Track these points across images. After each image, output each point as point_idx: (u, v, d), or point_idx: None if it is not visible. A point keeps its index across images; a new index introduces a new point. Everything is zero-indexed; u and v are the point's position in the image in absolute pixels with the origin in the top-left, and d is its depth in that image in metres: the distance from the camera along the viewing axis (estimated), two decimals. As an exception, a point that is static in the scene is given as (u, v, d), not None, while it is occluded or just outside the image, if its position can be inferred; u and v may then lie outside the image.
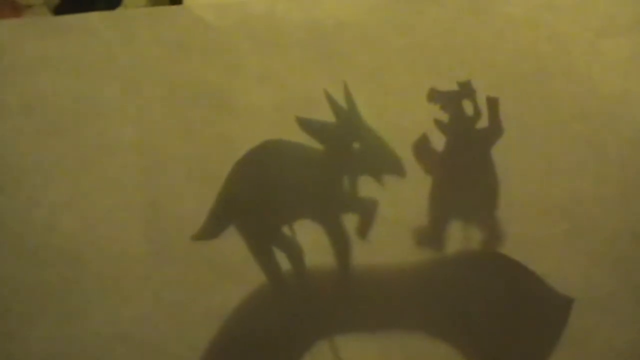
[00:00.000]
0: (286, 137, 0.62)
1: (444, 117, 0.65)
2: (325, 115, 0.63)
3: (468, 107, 0.65)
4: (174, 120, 0.61)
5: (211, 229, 0.61)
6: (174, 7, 0.60)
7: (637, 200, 0.64)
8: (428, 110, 0.64)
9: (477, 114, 0.66)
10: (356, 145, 0.63)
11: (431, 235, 0.63)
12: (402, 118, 0.64)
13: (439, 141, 0.64)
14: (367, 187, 0.63)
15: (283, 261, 0.61)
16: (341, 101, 0.63)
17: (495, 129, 0.66)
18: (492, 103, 0.66)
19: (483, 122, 0.65)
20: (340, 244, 0.61)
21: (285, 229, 0.62)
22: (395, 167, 0.63)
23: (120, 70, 0.60)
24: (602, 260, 0.64)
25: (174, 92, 0.61)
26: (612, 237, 0.64)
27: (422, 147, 0.65)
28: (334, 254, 0.61)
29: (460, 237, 0.63)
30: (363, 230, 0.61)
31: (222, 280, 0.61)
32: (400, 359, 0.61)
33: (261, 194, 0.61)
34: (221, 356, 0.60)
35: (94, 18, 0.59)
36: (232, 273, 0.61)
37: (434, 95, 0.65)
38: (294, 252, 0.61)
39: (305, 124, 0.62)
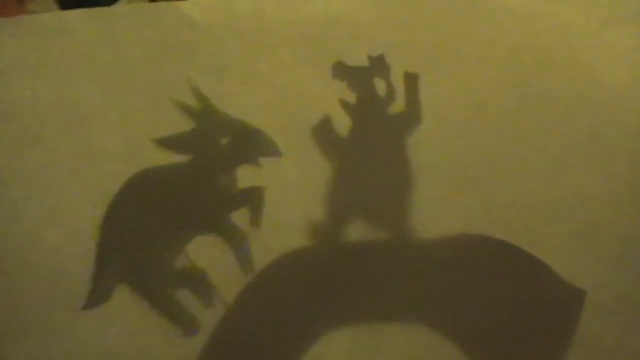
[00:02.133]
0: (277, 139, 0.61)
1: (351, 96, 0.62)
2: (318, 115, 0.61)
3: (381, 86, 0.62)
4: (158, 124, 0.59)
5: (101, 294, 0.58)
6: (158, 5, 0.57)
7: None
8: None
9: (391, 94, 0.62)
10: (225, 141, 0.61)
11: (327, 227, 0.60)
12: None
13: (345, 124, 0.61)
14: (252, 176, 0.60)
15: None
16: (193, 103, 0.60)
17: (411, 114, 0.61)
18: (411, 81, 0.62)
19: (400, 105, 0.62)
20: (237, 242, 0.59)
21: (183, 258, 0.59)
22: (270, 149, 0.61)
23: (103, 73, 0.58)
24: (612, 262, 0.62)
25: (159, 95, 0.59)
26: (621, 238, 0.62)
27: (323, 131, 0.61)
28: (234, 255, 0.59)
29: (359, 231, 0.61)
30: (255, 220, 0.59)
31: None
32: (399, 352, 0.60)
33: (141, 235, 0.58)
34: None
35: (72, 17, 0.56)
36: (225, 284, 0.59)
37: (340, 70, 0.62)
38: (198, 276, 0.59)
39: (164, 143, 0.59)
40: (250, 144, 0.60)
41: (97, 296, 0.57)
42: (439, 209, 0.62)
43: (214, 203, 0.60)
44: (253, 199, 0.60)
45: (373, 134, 0.62)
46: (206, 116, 0.60)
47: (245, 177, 0.60)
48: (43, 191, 0.56)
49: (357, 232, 0.61)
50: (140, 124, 0.58)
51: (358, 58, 0.62)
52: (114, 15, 0.56)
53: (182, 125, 0.59)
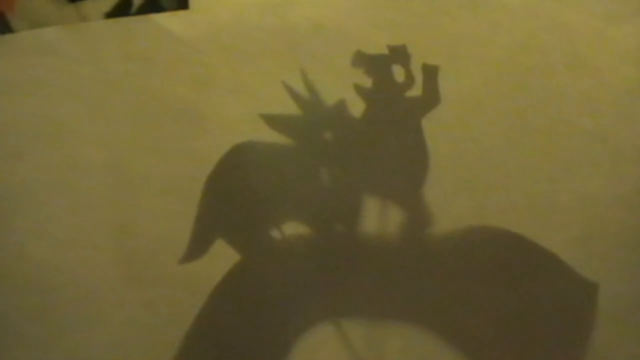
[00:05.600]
0: (263, 149, 0.60)
1: (367, 82, 0.60)
2: (305, 123, 0.61)
3: (399, 74, 0.61)
4: (143, 137, 0.59)
5: (196, 249, 0.59)
6: (138, 18, 0.58)
7: None
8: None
9: (410, 80, 0.60)
10: (327, 136, 0.61)
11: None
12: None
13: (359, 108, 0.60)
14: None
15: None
16: (303, 93, 0.60)
17: (430, 97, 0.60)
18: (430, 71, 0.61)
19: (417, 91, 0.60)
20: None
21: (275, 233, 0.59)
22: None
23: (84, 88, 0.58)
24: (620, 268, 0.60)
25: (142, 108, 0.59)
26: (629, 242, 0.60)
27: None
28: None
29: (376, 217, 0.60)
30: None
31: (200, 301, 0.58)
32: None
33: (240, 204, 0.59)
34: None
35: (51, 34, 0.57)
36: (209, 291, 0.59)
37: (359, 59, 0.60)
38: (285, 256, 0.59)
39: (270, 120, 0.60)
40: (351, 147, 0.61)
41: (194, 251, 0.58)
42: (436, 212, 0.61)
43: (312, 193, 0.61)
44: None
45: (363, 138, 0.61)
46: (313, 107, 0.61)
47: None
48: (28, 205, 0.57)
49: (356, 232, 0.61)
50: (124, 137, 0.58)
51: (346, 64, 0.61)
52: (92, 31, 0.57)
53: (166, 137, 0.59)
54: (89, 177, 0.58)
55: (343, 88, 0.61)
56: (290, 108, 0.60)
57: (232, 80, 0.60)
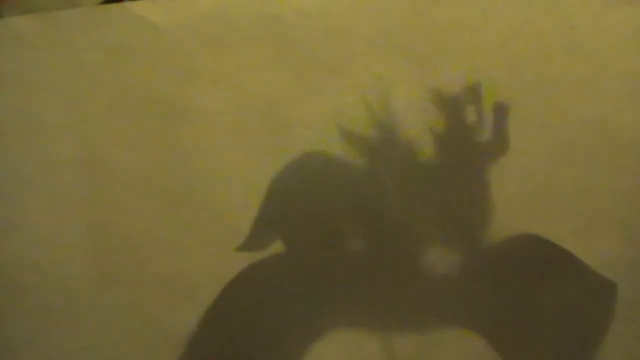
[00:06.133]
0: (245, 144, 0.58)
1: (439, 124, 0.59)
2: (290, 117, 0.59)
3: (470, 114, 0.59)
4: (120, 131, 0.57)
5: (257, 240, 0.58)
6: (113, 6, 0.56)
7: None
8: (406, 102, 0.59)
9: (480, 122, 0.59)
10: (390, 153, 0.59)
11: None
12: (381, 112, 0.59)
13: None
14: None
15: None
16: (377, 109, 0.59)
17: (499, 142, 0.59)
18: (500, 110, 0.60)
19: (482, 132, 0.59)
20: None
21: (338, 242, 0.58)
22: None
23: (58, 80, 0.56)
24: (619, 262, 0.58)
25: (119, 100, 0.57)
26: (630, 236, 0.57)
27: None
28: None
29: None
30: None
31: (181, 301, 0.57)
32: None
33: (309, 205, 0.58)
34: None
35: (23, 24, 0.55)
36: (193, 293, 0.57)
37: (439, 99, 0.59)
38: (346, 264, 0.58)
39: (347, 135, 0.58)
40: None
41: (253, 242, 0.57)
42: (424, 203, 0.59)
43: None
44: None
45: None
46: (386, 126, 0.59)
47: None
48: (1, 201, 0.55)
49: (357, 233, 0.59)
50: (101, 131, 0.57)
51: (332, 54, 0.59)
52: (65, 20, 0.55)
53: (145, 131, 0.57)
54: (64, 173, 0.56)
55: (329, 78, 0.59)
56: (275, 103, 0.58)
57: (213, 71, 0.58)
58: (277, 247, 0.58)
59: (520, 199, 0.58)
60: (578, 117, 0.60)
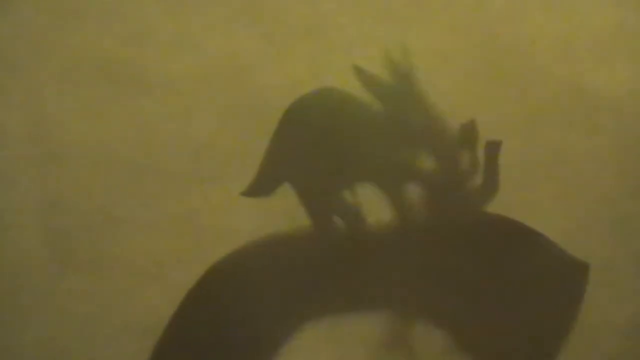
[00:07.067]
0: (212, 111, 0.55)
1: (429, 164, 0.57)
2: (260, 83, 0.55)
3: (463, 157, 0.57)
4: (72, 100, 0.53)
5: (263, 186, 0.56)
6: (57, -34, 0.52)
7: (635, 152, 0.57)
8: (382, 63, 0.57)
9: (475, 166, 0.57)
10: (415, 117, 0.57)
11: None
12: (352, 76, 0.57)
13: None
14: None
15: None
16: (399, 64, 0.57)
17: (489, 185, 0.57)
18: (492, 149, 0.58)
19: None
20: (401, 212, 0.57)
21: (346, 193, 0.56)
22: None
23: (2, 47, 0.52)
24: (597, 225, 0.56)
25: (70, 67, 0.53)
26: (607, 197, 0.56)
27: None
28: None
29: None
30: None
31: (145, 285, 0.53)
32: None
33: (318, 150, 0.56)
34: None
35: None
36: (159, 275, 0.53)
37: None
38: (350, 217, 0.57)
39: (362, 75, 0.56)
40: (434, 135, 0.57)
41: (259, 189, 0.56)
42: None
43: (394, 165, 0.57)
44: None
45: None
46: (407, 83, 0.57)
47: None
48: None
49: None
50: (50, 101, 0.53)
51: (303, 17, 0.56)
52: (5, -20, 0.50)
53: (99, 99, 0.53)
54: (10, 147, 0.53)
55: (298, 43, 0.56)
56: (242, 67, 0.55)
57: (173, 32, 0.54)
58: (283, 191, 0.56)
59: (501, 165, 0.57)
60: (553, 76, 0.58)
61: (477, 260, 0.56)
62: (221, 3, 0.55)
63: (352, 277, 0.56)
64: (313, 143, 0.56)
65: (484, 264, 0.56)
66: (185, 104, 0.55)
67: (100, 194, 0.53)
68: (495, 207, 0.57)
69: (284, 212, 0.56)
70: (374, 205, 0.56)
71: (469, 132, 0.57)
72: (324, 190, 0.56)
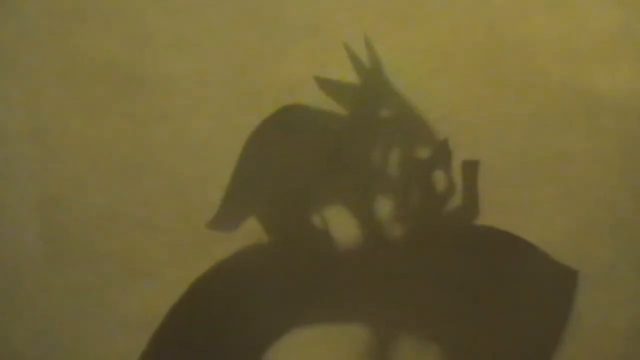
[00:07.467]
0: (210, 112, 0.55)
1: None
2: (259, 83, 0.56)
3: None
4: (73, 100, 0.54)
5: (227, 219, 0.55)
6: (58, -31, 0.53)
7: (637, 153, 0.56)
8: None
9: (450, 189, 0.57)
10: (384, 113, 0.57)
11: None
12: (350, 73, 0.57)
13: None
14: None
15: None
16: (364, 57, 0.57)
17: (469, 206, 0.57)
18: (470, 169, 0.57)
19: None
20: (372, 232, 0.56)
21: (316, 219, 0.56)
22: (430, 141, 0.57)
23: (4, 47, 0.53)
24: (597, 228, 0.56)
25: (71, 68, 0.54)
26: (608, 199, 0.56)
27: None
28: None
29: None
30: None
31: (138, 281, 0.54)
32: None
33: (283, 175, 0.56)
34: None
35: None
36: (151, 272, 0.54)
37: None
38: (322, 246, 0.56)
39: (323, 84, 0.56)
40: (410, 129, 0.57)
41: (223, 222, 0.55)
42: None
43: (365, 175, 0.57)
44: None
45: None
46: (374, 77, 0.57)
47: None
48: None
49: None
50: (50, 101, 0.54)
51: (302, 16, 0.56)
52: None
53: (97, 98, 0.55)
54: (10, 146, 0.54)
55: (300, 42, 0.57)
56: (243, 69, 0.55)
57: (172, 34, 0.55)
58: (250, 224, 0.56)
59: (497, 163, 0.57)
60: (555, 77, 0.57)
61: (470, 267, 0.56)
62: (218, 4, 0.56)
63: (352, 279, 0.56)
64: (278, 171, 0.56)
65: (475, 271, 0.56)
66: (185, 103, 0.55)
67: (96, 192, 0.54)
68: (496, 207, 0.56)
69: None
70: (369, 210, 0.57)
71: (444, 152, 0.57)
72: (307, 196, 0.56)
